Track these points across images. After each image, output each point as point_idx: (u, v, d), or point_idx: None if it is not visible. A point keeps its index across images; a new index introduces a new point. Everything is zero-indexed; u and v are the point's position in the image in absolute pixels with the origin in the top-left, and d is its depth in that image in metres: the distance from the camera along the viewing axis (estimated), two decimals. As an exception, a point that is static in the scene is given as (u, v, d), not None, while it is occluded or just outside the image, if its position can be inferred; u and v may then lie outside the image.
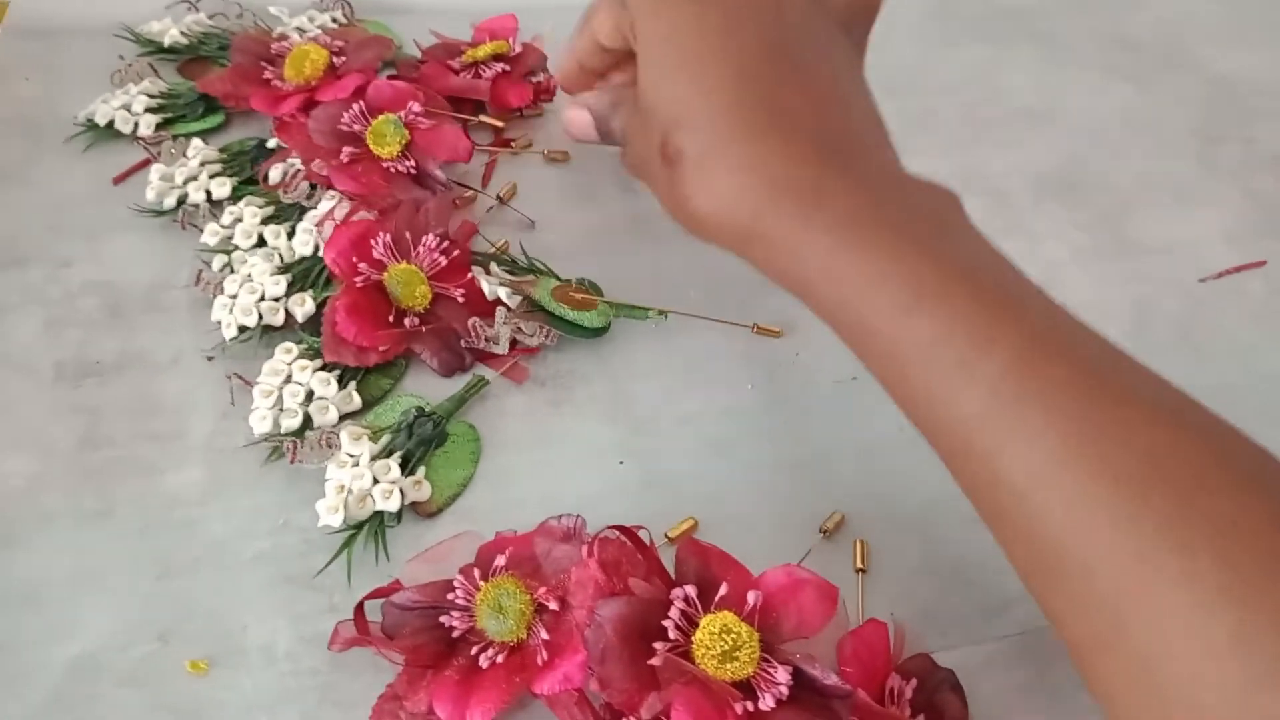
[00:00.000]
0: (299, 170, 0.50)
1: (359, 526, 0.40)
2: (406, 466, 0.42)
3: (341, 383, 0.44)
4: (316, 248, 0.47)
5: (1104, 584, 0.26)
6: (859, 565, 0.41)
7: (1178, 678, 0.25)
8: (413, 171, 0.50)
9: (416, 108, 0.51)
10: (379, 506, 0.40)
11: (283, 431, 0.43)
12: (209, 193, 0.50)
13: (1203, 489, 0.25)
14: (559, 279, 0.49)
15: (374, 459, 0.41)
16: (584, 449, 0.44)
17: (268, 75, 0.53)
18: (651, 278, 0.50)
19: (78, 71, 0.57)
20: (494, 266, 0.49)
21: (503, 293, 0.47)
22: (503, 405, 0.46)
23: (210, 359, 0.46)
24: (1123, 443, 0.26)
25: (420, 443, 0.43)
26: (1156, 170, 0.61)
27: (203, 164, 0.51)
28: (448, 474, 0.43)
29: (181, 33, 0.58)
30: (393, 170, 0.49)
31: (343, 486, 0.41)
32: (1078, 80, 0.67)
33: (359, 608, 0.37)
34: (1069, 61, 0.68)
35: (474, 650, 0.36)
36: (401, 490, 0.41)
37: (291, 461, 0.41)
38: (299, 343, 0.45)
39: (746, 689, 0.34)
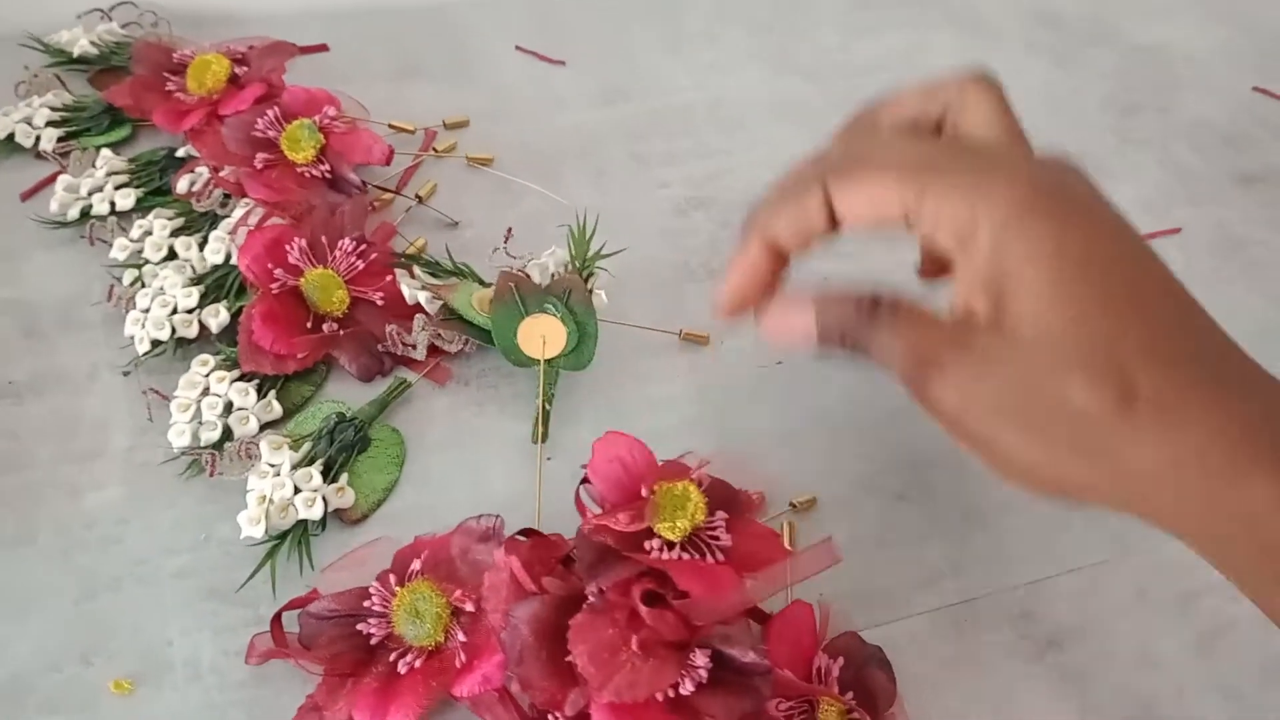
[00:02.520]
0: (210, 179, 0.49)
1: (282, 537, 0.40)
2: (329, 473, 0.42)
3: (260, 392, 0.43)
4: (229, 256, 0.47)
5: None
6: (786, 547, 0.41)
7: None
8: (328, 176, 0.49)
9: (332, 112, 0.51)
10: (302, 515, 0.40)
11: (202, 444, 0.42)
12: (113, 204, 0.49)
13: None
14: (483, 283, 0.48)
15: (295, 467, 0.41)
16: (510, 447, 0.44)
17: (170, 86, 0.52)
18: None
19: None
20: (417, 270, 0.48)
21: (423, 297, 0.46)
22: (427, 407, 0.45)
23: (126, 374, 0.45)
24: None
25: (342, 449, 0.42)
26: (1074, 143, 0.61)
27: (109, 174, 0.50)
28: (371, 479, 0.42)
29: (92, 43, 0.56)
30: (307, 175, 0.49)
31: (264, 497, 0.40)
32: (997, 60, 0.67)
33: (276, 619, 0.37)
34: (989, 42, 0.69)
35: (392, 656, 0.36)
36: (324, 498, 0.40)
37: (210, 474, 0.41)
38: (216, 354, 0.44)
39: None
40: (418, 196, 0.52)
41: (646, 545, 0.36)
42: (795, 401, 0.47)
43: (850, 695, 0.36)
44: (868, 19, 0.69)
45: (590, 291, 0.45)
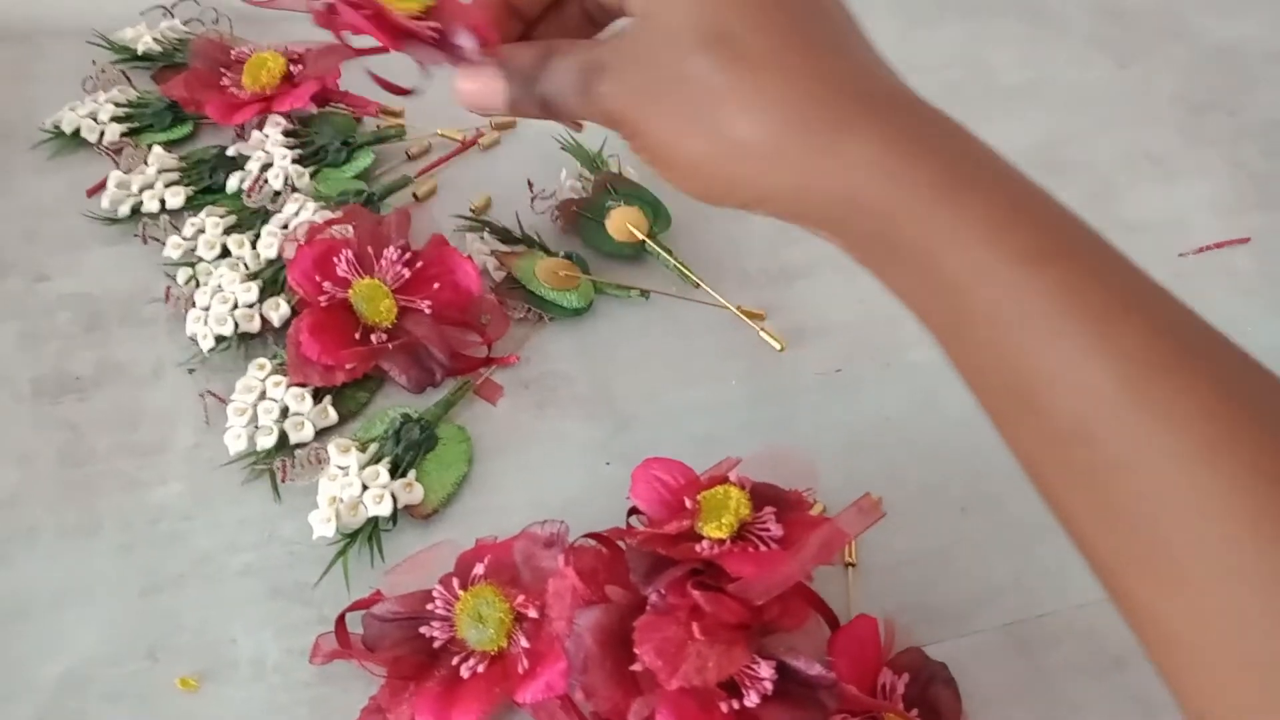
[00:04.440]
0: (259, 176, 0.49)
1: (354, 535, 0.40)
2: (397, 471, 0.42)
3: (316, 398, 0.43)
4: (283, 250, 0.47)
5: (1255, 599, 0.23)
6: (847, 559, 0.41)
7: None
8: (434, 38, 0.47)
9: None
10: (371, 512, 0.40)
11: (259, 449, 0.42)
12: (163, 202, 0.50)
13: None
14: (549, 252, 0.49)
15: (363, 468, 0.41)
16: (571, 450, 0.44)
17: (225, 82, 0.53)
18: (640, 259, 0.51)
19: (52, 78, 0.56)
20: (486, 235, 0.49)
21: (490, 264, 0.48)
22: (487, 410, 0.45)
23: (192, 371, 0.45)
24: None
25: (409, 447, 0.42)
26: (1141, 144, 0.61)
27: (160, 172, 0.51)
28: (440, 475, 0.42)
29: (155, 39, 0.57)
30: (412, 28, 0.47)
31: (334, 497, 0.40)
32: (1063, 54, 0.66)
33: (340, 620, 0.37)
34: (1055, 35, 0.67)
35: (455, 660, 0.36)
36: (392, 494, 0.41)
37: (283, 480, 0.41)
38: (273, 357, 0.44)
39: (731, 687, 0.34)
40: (415, 195, 0.52)
41: (697, 548, 0.35)
42: (855, 409, 0.46)
43: (915, 712, 0.36)
44: (927, 7, 0.68)
45: (620, 173, 0.52)
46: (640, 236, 0.49)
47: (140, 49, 0.56)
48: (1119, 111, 0.62)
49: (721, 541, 0.36)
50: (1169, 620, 0.24)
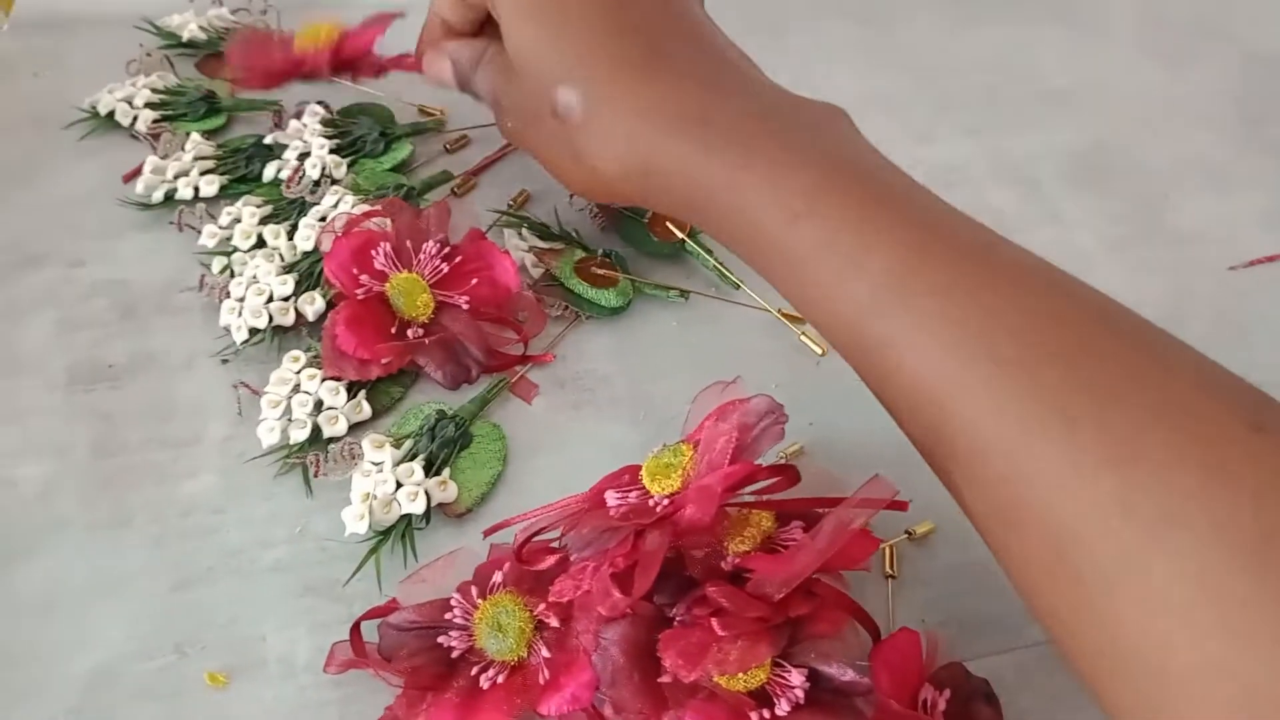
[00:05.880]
0: (298, 166, 0.49)
1: (386, 532, 0.40)
2: (431, 469, 0.41)
3: (351, 392, 0.43)
4: (320, 243, 0.46)
5: (997, 464, 0.28)
6: (888, 571, 0.40)
7: (1077, 544, 0.26)
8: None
9: None
10: (405, 509, 0.40)
11: (291, 443, 0.42)
12: (197, 190, 0.49)
13: (1085, 357, 0.27)
14: (587, 250, 0.48)
15: (397, 464, 0.41)
16: (608, 452, 0.43)
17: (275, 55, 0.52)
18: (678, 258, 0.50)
19: (90, 65, 0.56)
20: (524, 231, 0.48)
21: (528, 260, 0.47)
22: (524, 408, 0.45)
23: (226, 362, 0.45)
24: (1007, 322, 0.28)
25: (443, 445, 0.42)
26: (1192, 152, 0.59)
27: (196, 159, 0.50)
28: (475, 474, 0.42)
29: (201, 27, 0.57)
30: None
31: (368, 494, 0.40)
32: (1109, 60, 0.65)
33: (355, 628, 0.36)
34: (1099, 40, 0.66)
35: (474, 670, 0.35)
36: (426, 492, 0.40)
37: (315, 475, 0.41)
38: (307, 350, 0.44)
39: (762, 696, 0.33)
40: (453, 191, 0.52)
41: (722, 564, 0.35)
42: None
43: (956, 731, 0.35)
44: (970, 10, 0.67)
45: None
46: (680, 236, 0.48)
47: (186, 36, 0.56)
48: (1170, 119, 0.61)
49: (745, 555, 0.35)
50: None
